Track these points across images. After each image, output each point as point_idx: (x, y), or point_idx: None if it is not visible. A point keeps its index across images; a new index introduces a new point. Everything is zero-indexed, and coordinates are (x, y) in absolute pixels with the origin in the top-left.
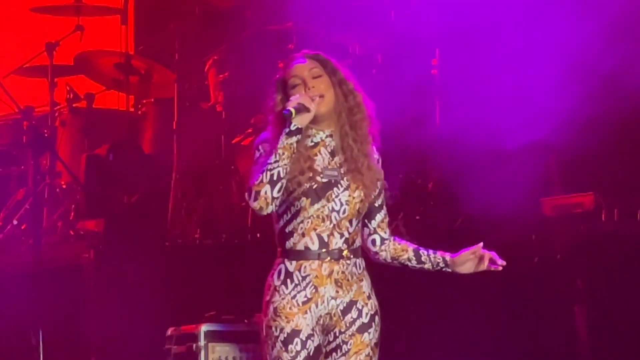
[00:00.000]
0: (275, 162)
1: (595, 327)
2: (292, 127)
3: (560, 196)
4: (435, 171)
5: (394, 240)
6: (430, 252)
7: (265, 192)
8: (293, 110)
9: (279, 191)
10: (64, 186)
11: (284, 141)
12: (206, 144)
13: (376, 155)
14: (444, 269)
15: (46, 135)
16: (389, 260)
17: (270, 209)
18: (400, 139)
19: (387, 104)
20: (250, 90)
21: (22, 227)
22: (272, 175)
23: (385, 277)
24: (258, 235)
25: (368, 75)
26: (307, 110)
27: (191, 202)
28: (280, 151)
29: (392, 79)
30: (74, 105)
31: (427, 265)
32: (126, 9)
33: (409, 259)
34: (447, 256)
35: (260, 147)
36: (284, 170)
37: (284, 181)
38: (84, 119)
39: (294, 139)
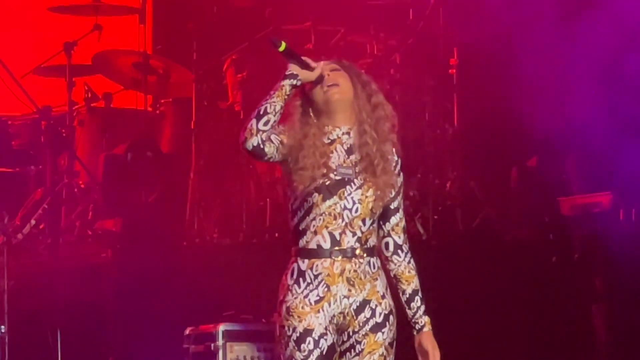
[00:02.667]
0: (265, 100)
1: (614, 326)
2: (287, 72)
3: (578, 196)
4: (453, 171)
5: (409, 264)
6: (421, 309)
7: (251, 125)
8: (284, 43)
9: (264, 124)
10: (82, 186)
11: (277, 84)
12: (224, 144)
13: (396, 158)
14: (413, 330)
15: (64, 134)
16: (391, 275)
17: (255, 140)
18: (418, 139)
19: (405, 103)
20: (269, 90)
21: (41, 227)
22: (259, 111)
23: None
24: (276, 234)
25: (386, 75)
26: (310, 67)
27: (209, 202)
28: (272, 92)
29: (410, 79)
30: (92, 104)
31: (408, 313)
32: (144, 8)
33: (403, 293)
34: (425, 328)
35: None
36: (272, 107)
37: (271, 116)
38: (102, 118)
39: (287, 82)
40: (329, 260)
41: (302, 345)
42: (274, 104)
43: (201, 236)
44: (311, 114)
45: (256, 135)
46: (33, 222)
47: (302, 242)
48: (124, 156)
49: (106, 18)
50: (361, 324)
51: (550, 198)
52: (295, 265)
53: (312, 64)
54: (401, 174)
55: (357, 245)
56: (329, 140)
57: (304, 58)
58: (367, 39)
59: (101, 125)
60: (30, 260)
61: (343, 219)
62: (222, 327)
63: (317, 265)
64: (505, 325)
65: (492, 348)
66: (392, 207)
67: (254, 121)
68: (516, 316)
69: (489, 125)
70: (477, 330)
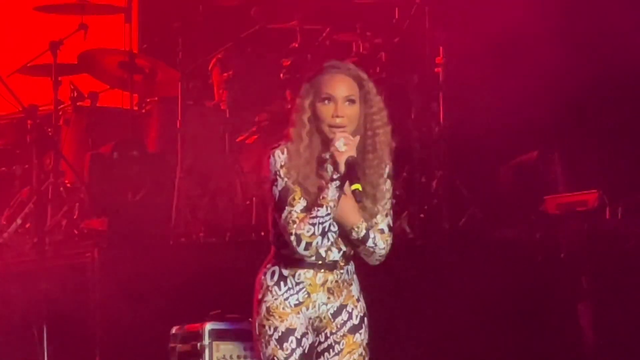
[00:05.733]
0: (327, 215)
1: (600, 325)
2: (352, 190)
3: (564, 194)
4: (439, 169)
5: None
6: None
7: (317, 243)
8: (360, 186)
9: (328, 240)
10: (68, 185)
11: (334, 194)
12: (210, 143)
13: (385, 164)
14: None
15: (50, 134)
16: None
17: (316, 253)
18: (404, 137)
19: (390, 102)
20: (255, 89)
21: (26, 226)
22: (324, 228)
23: (386, 276)
24: (262, 233)
25: (372, 73)
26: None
27: (195, 201)
28: (331, 204)
29: (396, 78)
30: (78, 103)
31: None
32: (130, 7)
33: None
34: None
35: (281, 172)
36: (332, 220)
37: (333, 232)
38: (88, 117)
39: (337, 193)
40: (312, 271)
41: (285, 344)
42: (333, 217)
43: (187, 235)
44: (315, 131)
45: (320, 250)
46: (19, 221)
47: (285, 251)
48: (110, 155)
49: (92, 17)
50: (339, 326)
51: (536, 196)
52: (276, 267)
53: (354, 151)
54: (388, 181)
55: (341, 258)
56: (322, 160)
57: (353, 155)
58: (353, 37)
59: (87, 125)
60: (16, 260)
61: (328, 239)
62: (208, 326)
63: (299, 274)
64: (491, 324)
65: (478, 347)
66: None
67: (319, 240)
68: (502, 315)
69: (475, 124)
70: (463, 329)
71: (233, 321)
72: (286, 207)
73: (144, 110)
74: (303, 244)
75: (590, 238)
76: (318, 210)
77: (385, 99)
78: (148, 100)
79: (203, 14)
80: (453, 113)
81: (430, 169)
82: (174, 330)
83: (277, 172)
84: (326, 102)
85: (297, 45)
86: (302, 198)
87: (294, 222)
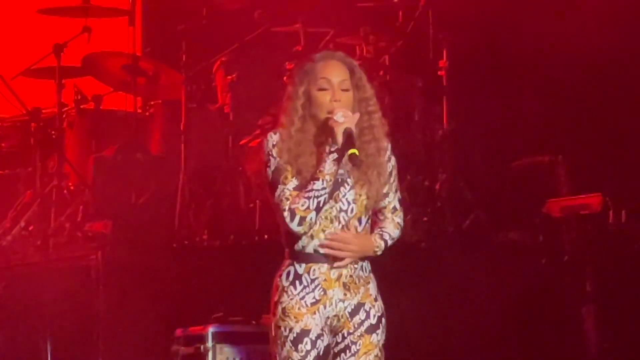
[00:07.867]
0: (323, 189)
1: (604, 328)
2: (349, 154)
3: (568, 197)
4: (442, 172)
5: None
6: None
7: (311, 218)
8: (357, 151)
9: (320, 212)
10: (72, 187)
11: (332, 168)
12: (214, 146)
13: (385, 144)
14: None
15: (54, 136)
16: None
17: (310, 227)
18: (408, 140)
19: (394, 105)
20: (258, 92)
21: (30, 229)
22: (319, 202)
23: (390, 279)
24: (265, 236)
25: (376, 77)
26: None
27: (199, 204)
28: (327, 177)
29: (399, 81)
30: (81, 106)
31: None
32: (134, 10)
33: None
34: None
35: (273, 152)
36: (327, 195)
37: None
38: (92, 120)
39: (335, 167)
40: (326, 265)
41: (300, 346)
42: (329, 191)
43: (191, 238)
44: (308, 117)
45: (313, 226)
46: (22, 223)
47: (298, 246)
48: (114, 158)
49: (95, 20)
50: (356, 326)
51: (540, 199)
52: (291, 267)
53: (354, 125)
54: (392, 158)
55: None
56: (320, 143)
57: (351, 128)
58: (357, 40)
59: (91, 127)
60: (19, 262)
61: (339, 222)
62: (211, 329)
63: (314, 270)
64: (494, 327)
65: (481, 350)
66: (382, 192)
67: (313, 215)
68: (505, 318)
69: (478, 127)
70: (466, 332)
71: (236, 324)
72: (279, 186)
73: (147, 113)
74: (297, 219)
75: (593, 241)
76: (314, 183)
77: (389, 102)
78: (152, 103)
79: (207, 17)
80: (457, 116)
81: (433, 172)
82: (177, 333)
83: (270, 153)
84: (323, 88)
85: (300, 49)
86: (294, 177)
87: (287, 198)
